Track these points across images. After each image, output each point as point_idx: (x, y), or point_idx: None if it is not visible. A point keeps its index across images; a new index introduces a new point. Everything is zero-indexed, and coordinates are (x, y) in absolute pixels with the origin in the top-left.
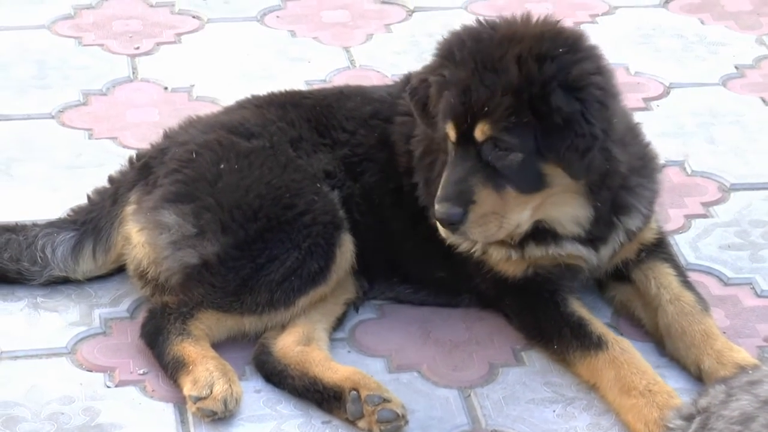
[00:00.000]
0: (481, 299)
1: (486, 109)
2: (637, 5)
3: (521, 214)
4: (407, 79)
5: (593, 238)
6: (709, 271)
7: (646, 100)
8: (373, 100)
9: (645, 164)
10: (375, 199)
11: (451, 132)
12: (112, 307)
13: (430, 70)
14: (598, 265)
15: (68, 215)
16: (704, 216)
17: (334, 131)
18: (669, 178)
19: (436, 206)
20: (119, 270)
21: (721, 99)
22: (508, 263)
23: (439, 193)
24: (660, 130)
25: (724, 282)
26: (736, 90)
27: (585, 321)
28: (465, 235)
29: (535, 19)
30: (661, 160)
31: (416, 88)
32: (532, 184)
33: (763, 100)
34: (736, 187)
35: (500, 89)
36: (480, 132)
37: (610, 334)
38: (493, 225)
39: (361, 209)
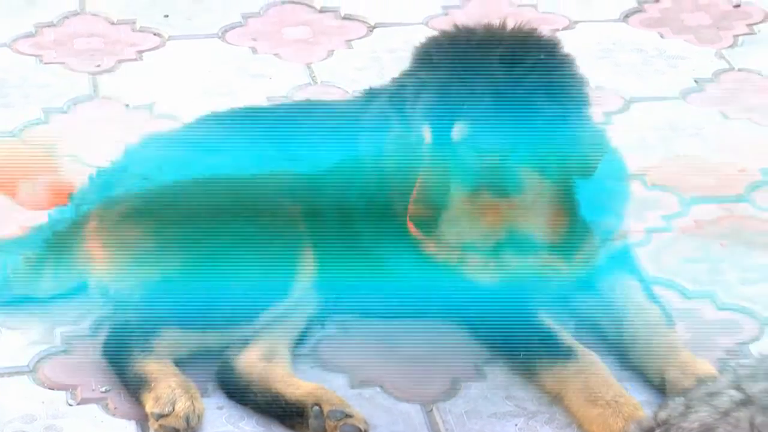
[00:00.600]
0: (449, 309)
1: (465, 108)
2: (597, 20)
3: (495, 217)
4: (369, 93)
5: (567, 246)
6: (670, 285)
7: (607, 114)
8: (335, 114)
9: (615, 168)
10: (341, 211)
11: (427, 133)
12: (74, 325)
13: (407, 73)
14: (569, 274)
15: (30, 233)
16: (664, 230)
17: (296, 146)
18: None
19: (411, 209)
20: (81, 288)
21: (681, 113)
22: (482, 271)
23: (413, 196)
24: (620, 143)
25: (685, 296)
26: (696, 104)
27: (554, 331)
28: (438, 237)
29: (511, 25)
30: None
31: (394, 93)
32: (509, 187)
33: (723, 114)
34: (695, 201)
35: (480, 89)
36: (457, 131)
37: (579, 346)
38: (466, 227)
39: (325, 222)
